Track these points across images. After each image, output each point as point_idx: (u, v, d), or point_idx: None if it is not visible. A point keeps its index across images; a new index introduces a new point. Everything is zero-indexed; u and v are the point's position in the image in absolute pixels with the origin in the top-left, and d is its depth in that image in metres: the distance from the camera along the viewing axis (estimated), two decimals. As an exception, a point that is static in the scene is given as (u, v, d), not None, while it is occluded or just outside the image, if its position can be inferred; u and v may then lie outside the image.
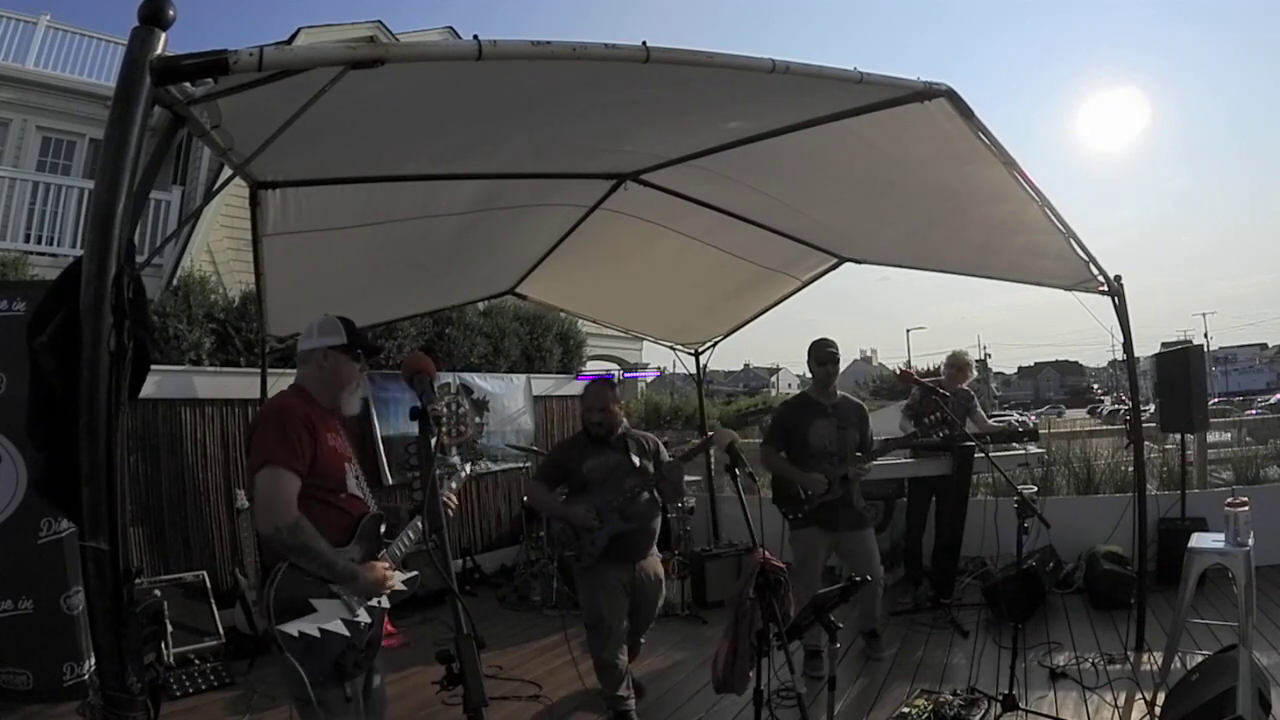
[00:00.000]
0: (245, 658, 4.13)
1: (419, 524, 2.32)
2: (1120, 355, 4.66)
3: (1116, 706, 3.18)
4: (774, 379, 57.98)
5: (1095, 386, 70.44)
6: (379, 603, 2.16)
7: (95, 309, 1.41)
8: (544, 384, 7.36)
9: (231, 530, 4.81)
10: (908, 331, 68.49)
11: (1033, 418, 20.75)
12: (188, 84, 1.64)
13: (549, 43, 1.72)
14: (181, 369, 4.95)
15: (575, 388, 7.53)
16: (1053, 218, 3.11)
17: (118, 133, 1.42)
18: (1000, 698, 3.13)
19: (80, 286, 1.43)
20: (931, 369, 9.73)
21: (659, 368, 14.15)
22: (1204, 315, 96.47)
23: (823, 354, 3.90)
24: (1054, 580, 4.84)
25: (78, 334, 1.42)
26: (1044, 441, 6.05)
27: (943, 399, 3.90)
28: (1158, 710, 2.99)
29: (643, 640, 3.64)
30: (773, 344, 74.50)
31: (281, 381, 2.62)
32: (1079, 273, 3.64)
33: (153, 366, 1.72)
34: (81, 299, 1.42)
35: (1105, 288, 3.74)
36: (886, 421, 5.65)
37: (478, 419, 6.56)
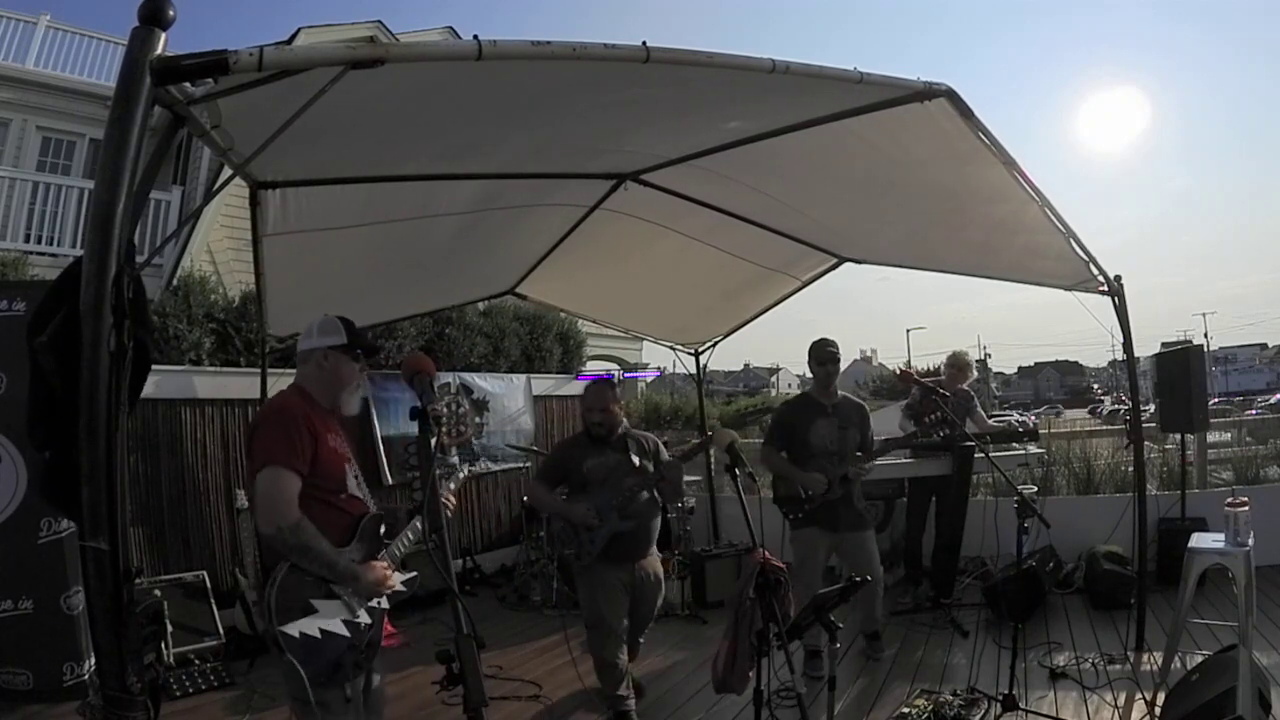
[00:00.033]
0: (245, 658, 4.13)
1: (418, 524, 2.32)
2: (1120, 355, 4.66)
3: (1116, 706, 3.18)
4: (774, 379, 57.99)
5: (1095, 386, 70.45)
6: (379, 603, 2.16)
7: (95, 309, 1.41)
8: (544, 384, 7.36)
9: (231, 530, 4.81)
10: (908, 331, 68.56)
11: (1032, 418, 20.75)
12: (188, 84, 1.63)
13: (549, 43, 1.72)
14: (181, 369, 4.95)
15: (575, 388, 7.53)
16: (1053, 218, 3.11)
17: (118, 133, 1.42)
18: (1000, 698, 3.13)
19: (80, 286, 1.43)
20: (931, 369, 9.72)
21: (659, 368, 14.16)
22: (1204, 315, 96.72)
23: (823, 354, 3.90)
24: (1054, 580, 4.84)
25: (78, 334, 1.42)
26: (1044, 441, 6.06)
27: (943, 399, 3.90)
28: (1158, 710, 2.99)
29: (641, 640, 3.64)
30: (773, 344, 74.56)
31: (281, 381, 2.62)
32: (1079, 273, 3.64)
33: (153, 366, 1.72)
34: (81, 299, 1.42)
35: (1105, 288, 3.74)
36: (886, 421, 5.65)
37: (478, 419, 6.56)
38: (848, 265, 4.83)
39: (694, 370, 6.46)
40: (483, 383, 6.68)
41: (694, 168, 3.31)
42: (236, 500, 4.62)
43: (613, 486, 3.33)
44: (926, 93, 2.28)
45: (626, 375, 12.58)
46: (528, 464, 6.75)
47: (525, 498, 6.03)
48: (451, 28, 12.00)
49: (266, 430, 2.08)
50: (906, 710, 3.17)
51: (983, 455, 4.08)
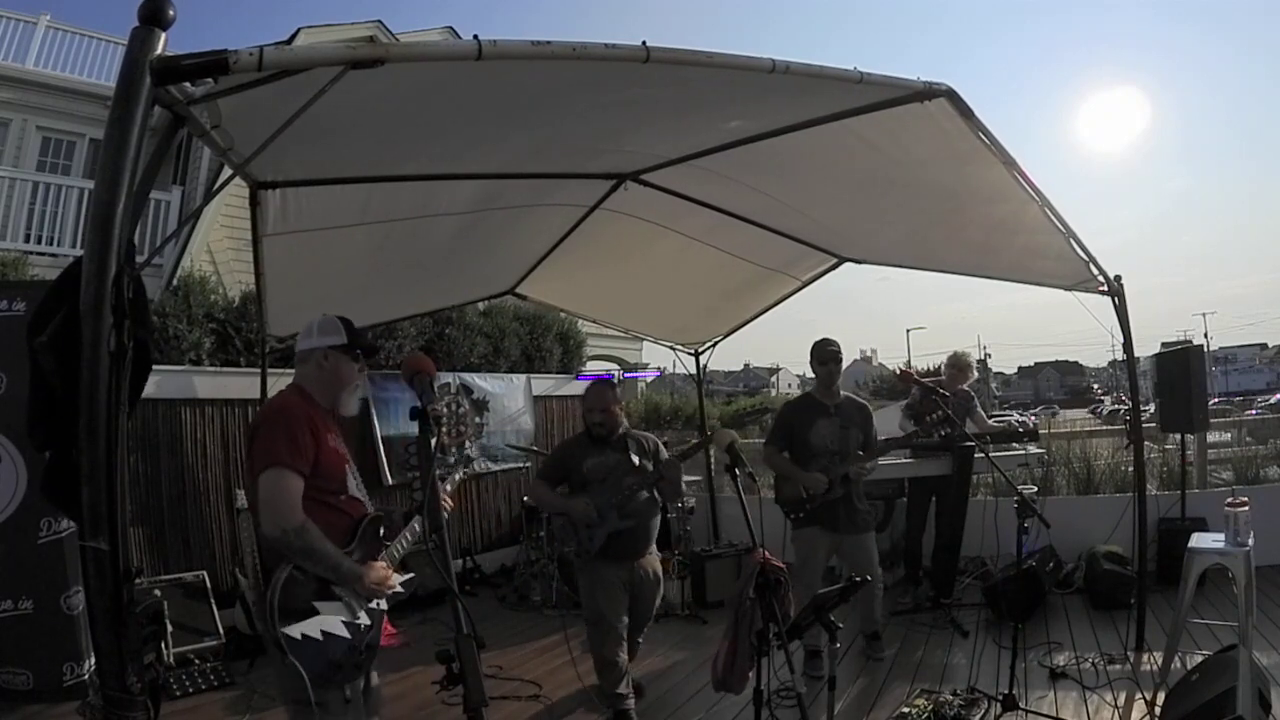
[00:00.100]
0: (245, 658, 4.13)
1: (416, 525, 2.32)
2: (1120, 355, 4.66)
3: (1116, 706, 3.18)
4: (774, 379, 58.01)
5: (1095, 386, 70.46)
6: (378, 605, 2.16)
7: (95, 309, 1.41)
8: (544, 384, 7.36)
9: (231, 530, 4.81)
10: (908, 331, 68.58)
11: (1032, 418, 20.75)
12: (188, 84, 1.63)
13: (549, 43, 1.72)
14: (181, 369, 4.95)
15: (575, 388, 7.53)
16: (1053, 218, 3.11)
17: (118, 133, 1.42)
18: (1000, 698, 3.13)
19: (80, 286, 1.43)
20: (931, 369, 9.71)
21: (659, 368, 14.14)
22: (1204, 315, 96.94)
23: (824, 353, 3.91)
24: (1054, 580, 4.84)
25: (78, 334, 1.42)
26: (1044, 441, 6.06)
27: (943, 399, 3.90)
28: (1158, 710, 2.99)
29: (640, 641, 3.65)
30: (773, 344, 74.59)
31: (281, 381, 2.62)
32: (1079, 273, 3.64)
33: (153, 366, 1.72)
34: (81, 299, 1.42)
35: (1105, 288, 3.74)
36: (886, 421, 5.64)
37: (478, 419, 6.56)
38: (848, 265, 4.82)
39: (694, 370, 6.46)
40: (483, 383, 6.68)
41: (694, 168, 3.31)
42: (236, 500, 4.62)
43: (612, 485, 3.35)
44: (926, 93, 2.28)
45: (626, 375, 12.56)
46: (528, 464, 6.75)
47: (526, 498, 6.04)
48: (451, 28, 12.00)
49: (268, 431, 2.06)
50: (906, 710, 3.17)
51: (983, 455, 4.08)
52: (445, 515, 2.07)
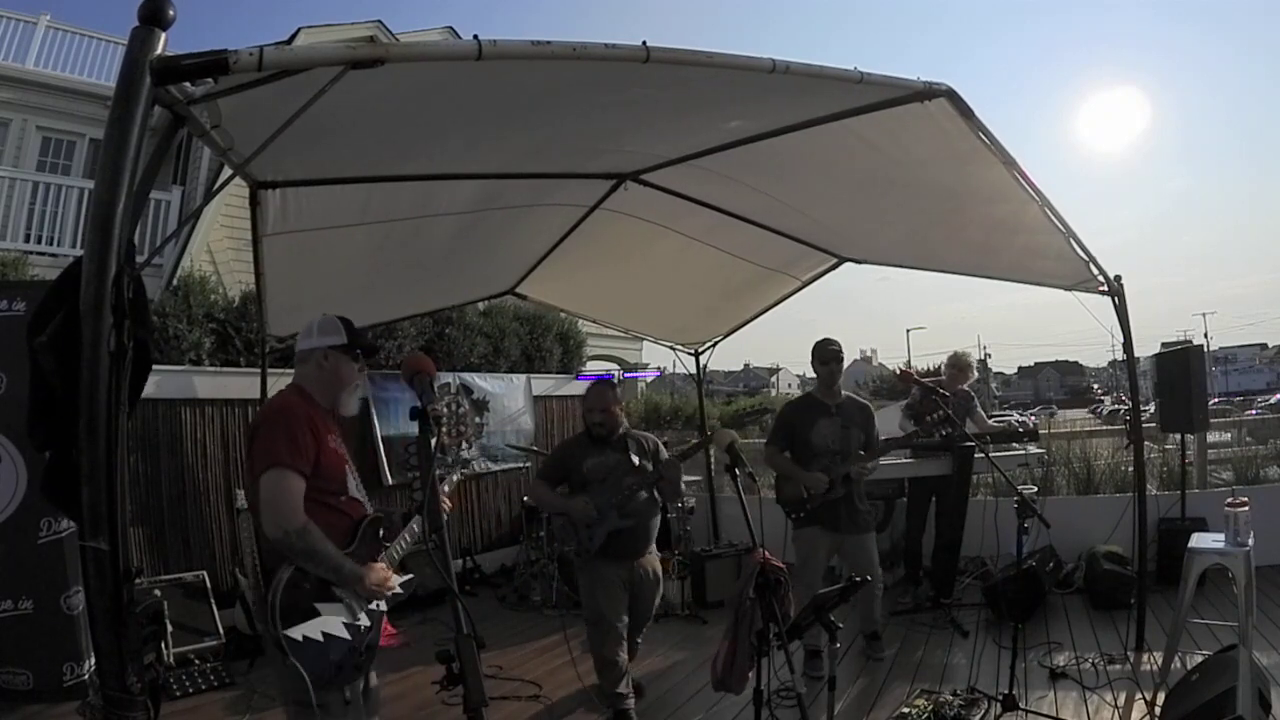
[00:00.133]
0: (245, 658, 4.13)
1: (415, 527, 2.31)
2: (1120, 355, 4.67)
3: (1116, 706, 3.18)
4: (774, 379, 58.01)
5: (1095, 386, 70.47)
6: (377, 606, 2.15)
7: (95, 309, 1.41)
8: (544, 384, 7.36)
9: (231, 530, 4.81)
10: (908, 331, 68.56)
11: (1032, 418, 20.76)
12: (188, 84, 1.64)
13: (549, 43, 1.72)
14: (181, 369, 4.95)
15: (575, 388, 7.53)
16: (1053, 218, 3.11)
17: (118, 133, 1.42)
18: (1000, 698, 3.13)
19: (80, 286, 1.42)
20: (931, 369, 9.71)
21: (659, 368, 14.14)
22: (1204, 315, 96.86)
23: (826, 353, 3.91)
24: (1054, 580, 4.84)
25: (78, 334, 1.42)
26: (1044, 441, 6.06)
27: (943, 399, 3.90)
28: (1158, 710, 2.99)
29: (639, 641, 3.65)
30: (773, 344, 74.62)
31: (281, 381, 2.62)
32: (1079, 273, 3.64)
33: (153, 366, 1.72)
34: (81, 299, 1.42)
35: (1105, 288, 3.74)
36: (887, 421, 5.65)
37: (478, 419, 6.56)
38: (848, 265, 4.82)
39: (694, 370, 6.46)
40: (483, 383, 6.68)
41: (694, 168, 3.31)
42: (236, 500, 4.62)
43: (612, 485, 3.35)
44: (926, 93, 2.28)
45: (626, 375, 12.56)
46: (528, 464, 6.75)
47: (526, 498, 6.04)
48: (451, 28, 12.00)
49: (269, 431, 2.05)
50: (906, 710, 3.17)
51: (983, 455, 4.08)
52: (444, 516, 2.07)
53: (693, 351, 6.26)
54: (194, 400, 4.86)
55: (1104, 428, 9.35)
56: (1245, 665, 2.51)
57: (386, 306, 4.89)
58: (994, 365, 62.13)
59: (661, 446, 3.58)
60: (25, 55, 10.07)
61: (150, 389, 4.21)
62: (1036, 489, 5.01)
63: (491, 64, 1.69)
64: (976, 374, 5.64)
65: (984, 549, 4.95)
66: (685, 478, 4.45)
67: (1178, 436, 5.31)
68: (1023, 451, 5.12)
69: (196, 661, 3.99)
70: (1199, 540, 3.47)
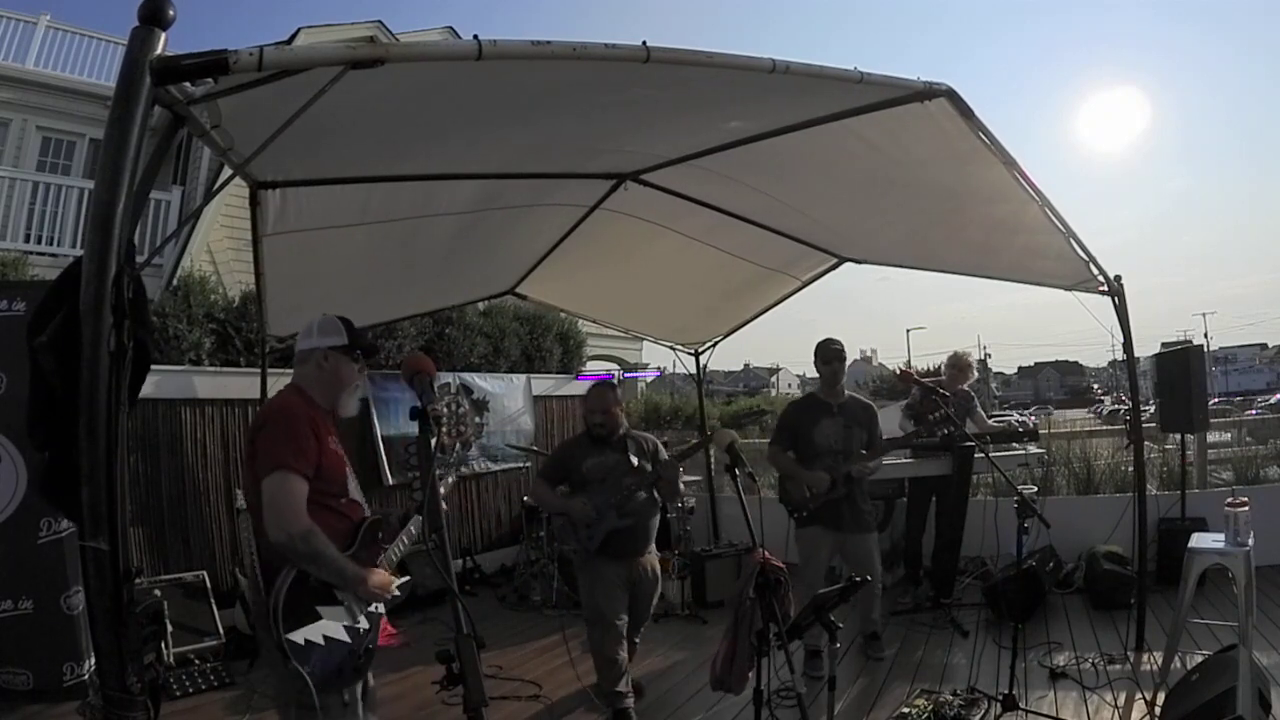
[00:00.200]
0: (245, 658, 4.12)
1: (413, 529, 2.31)
2: (1120, 355, 4.66)
3: (1116, 706, 3.18)
4: (774, 379, 58.01)
5: (1095, 386, 70.47)
6: (376, 608, 2.15)
7: (95, 309, 1.40)
8: (544, 384, 7.36)
9: (231, 530, 4.81)
10: (908, 331, 68.60)
11: (1032, 418, 20.76)
12: (188, 84, 1.63)
13: (549, 43, 1.71)
14: (181, 369, 4.95)
15: (575, 388, 7.53)
16: (1053, 218, 3.11)
17: (118, 133, 1.42)
18: (1000, 698, 3.13)
19: (80, 286, 1.42)
20: (931, 369, 9.73)
21: (659, 368, 14.16)
22: (1204, 315, 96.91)
23: (828, 353, 3.92)
24: (1054, 580, 4.84)
25: (78, 334, 1.42)
26: (1044, 441, 6.06)
27: (943, 399, 3.91)
28: (1158, 710, 2.99)
29: (638, 641, 3.66)
30: (773, 344, 74.66)
31: (281, 381, 2.61)
32: (1079, 273, 3.64)
33: (153, 366, 1.71)
34: (81, 299, 1.42)
35: (1105, 288, 3.74)
36: (886, 421, 5.65)
37: (478, 419, 6.56)
38: (848, 265, 4.83)
39: (694, 370, 6.46)
40: (483, 383, 6.68)
41: (694, 168, 3.31)
42: (236, 500, 4.63)
43: (611, 485, 3.37)
44: (926, 93, 2.28)
45: (626, 375, 12.58)
46: (528, 464, 6.75)
47: (526, 497, 6.04)
48: (451, 28, 12.00)
49: (273, 433, 2.04)
50: (906, 710, 3.17)
51: (983, 455, 4.08)
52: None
53: (693, 351, 6.26)
54: (194, 400, 4.86)
55: (1104, 428, 9.36)
56: (1245, 665, 2.51)
57: (386, 306, 4.89)
58: (994, 365, 62.17)
59: (661, 447, 3.60)
60: (25, 55, 10.07)
61: (150, 389, 4.22)
62: (1036, 489, 5.01)
63: (491, 64, 1.69)
64: (976, 374, 5.64)
65: (984, 549, 4.95)
66: (685, 478, 4.46)
67: (1178, 436, 5.31)
68: (1023, 451, 5.12)
69: (196, 661, 3.99)
70: (1199, 540, 3.47)
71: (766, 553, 2.46)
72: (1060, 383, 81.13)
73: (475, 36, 1.66)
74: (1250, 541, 3.25)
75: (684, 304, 5.48)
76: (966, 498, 4.94)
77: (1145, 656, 3.69)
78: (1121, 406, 21.42)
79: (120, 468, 1.43)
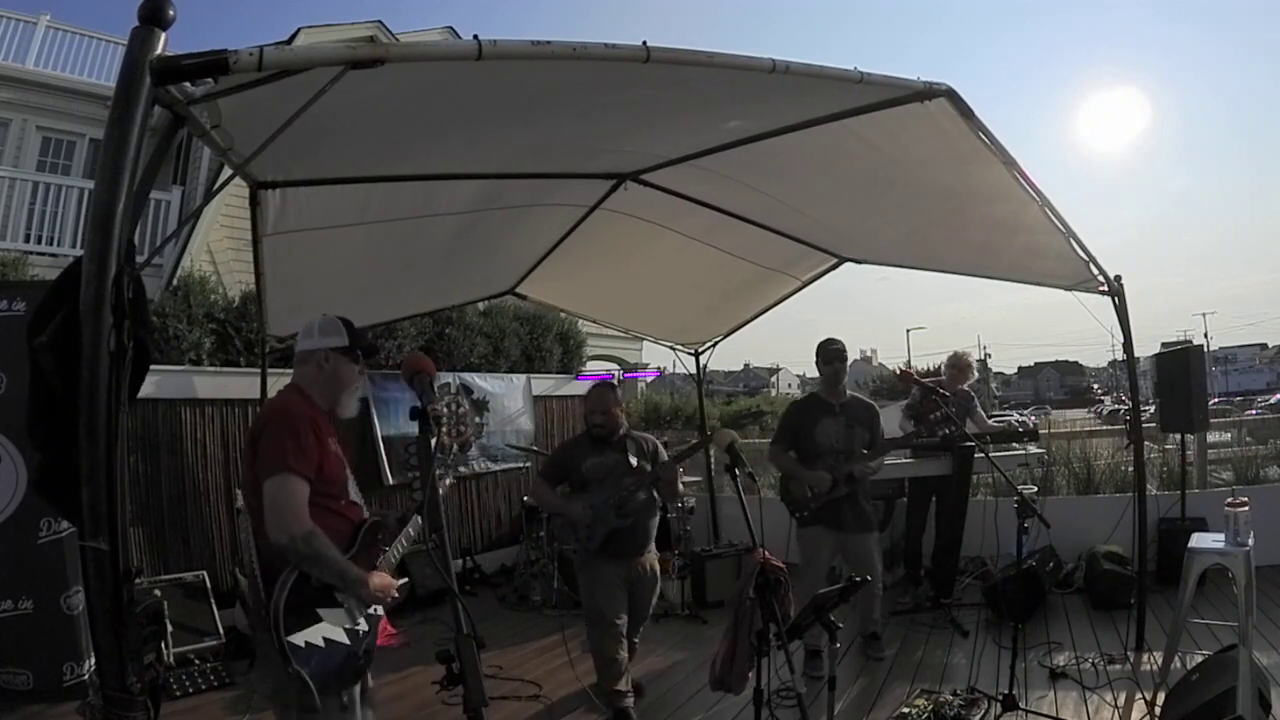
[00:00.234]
0: (245, 658, 4.12)
1: (411, 529, 2.31)
2: (1120, 355, 4.66)
3: (1116, 706, 3.18)
4: (774, 379, 58.04)
5: (1095, 386, 70.48)
6: (375, 610, 2.15)
7: (95, 309, 1.40)
8: (544, 384, 7.36)
9: (231, 530, 4.81)
10: (908, 331, 68.59)
11: (1032, 418, 20.77)
12: (188, 84, 1.63)
13: (549, 43, 1.71)
14: (181, 369, 4.95)
15: (575, 388, 7.53)
16: (1053, 218, 3.11)
17: (118, 133, 1.42)
18: (1000, 698, 3.13)
19: (80, 286, 1.42)
20: (931, 369, 9.73)
21: (659, 368, 14.15)
22: (1204, 315, 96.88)
23: (829, 352, 3.92)
24: (1054, 580, 4.84)
25: (78, 334, 1.42)
26: (1044, 441, 6.06)
27: (943, 399, 3.90)
28: (1158, 710, 2.99)
29: (637, 640, 3.66)
30: (773, 344, 74.74)
31: (281, 381, 2.61)
32: (1079, 273, 3.64)
33: (153, 366, 1.71)
34: (81, 299, 1.42)
35: (1105, 288, 3.74)
36: (887, 421, 5.65)
37: (478, 419, 6.56)
38: (848, 265, 4.82)
39: (694, 370, 6.46)
40: (483, 383, 6.68)
41: (694, 168, 3.31)
42: (236, 500, 4.62)
43: (611, 485, 3.38)
44: (926, 93, 2.28)
45: (626, 375, 12.57)
46: (528, 464, 6.75)
47: (526, 497, 6.04)
48: (451, 28, 12.00)
49: (275, 434, 2.02)
50: (906, 710, 3.17)
51: (983, 455, 4.08)
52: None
53: (693, 351, 6.26)
54: (194, 400, 4.86)
55: (1104, 428, 9.35)
56: (1245, 665, 2.51)
57: (386, 306, 4.89)
58: (994, 365, 62.17)
59: (661, 448, 3.60)
60: (25, 55, 10.07)
61: (150, 389, 4.22)
62: (1036, 489, 5.01)
63: (491, 64, 1.69)
64: (976, 374, 5.64)
65: (984, 549, 4.95)
66: (685, 478, 4.46)
67: (1178, 436, 5.32)
68: (1023, 451, 5.12)
69: (196, 661, 3.99)
70: (1199, 540, 3.47)
71: (766, 553, 2.46)
72: (1060, 383, 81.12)
73: (475, 36, 1.66)
74: (1250, 541, 3.25)
75: (684, 304, 5.48)
76: (966, 498, 4.94)
77: (1145, 656, 3.69)
78: (1121, 406, 21.42)
79: (120, 468, 1.43)
